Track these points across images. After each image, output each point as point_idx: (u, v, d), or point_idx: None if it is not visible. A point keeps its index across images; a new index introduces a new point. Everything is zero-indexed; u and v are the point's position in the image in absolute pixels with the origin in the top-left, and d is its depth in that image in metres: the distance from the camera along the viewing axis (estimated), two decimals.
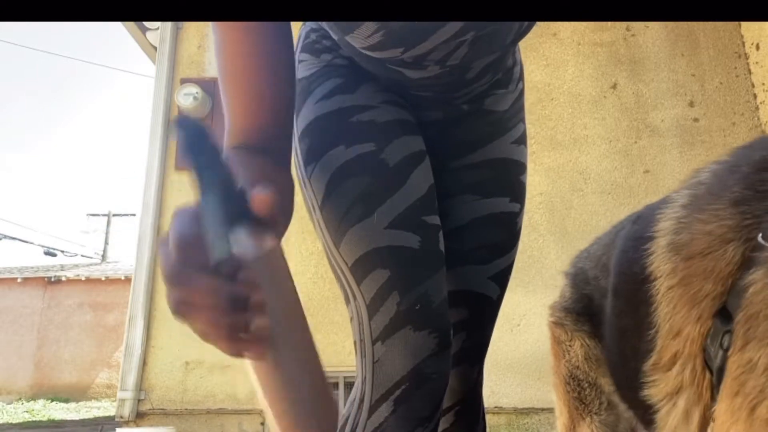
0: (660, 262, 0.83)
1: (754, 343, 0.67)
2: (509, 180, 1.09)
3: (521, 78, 1.13)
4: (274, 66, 0.77)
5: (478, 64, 0.95)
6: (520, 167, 1.11)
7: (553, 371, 1.26)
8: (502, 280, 1.08)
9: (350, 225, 0.89)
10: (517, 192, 1.10)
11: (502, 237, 1.08)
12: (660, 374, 0.81)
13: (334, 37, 0.98)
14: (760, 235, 0.68)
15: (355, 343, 0.92)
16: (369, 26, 0.83)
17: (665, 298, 0.80)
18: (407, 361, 0.85)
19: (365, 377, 0.88)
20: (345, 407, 0.93)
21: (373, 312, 0.88)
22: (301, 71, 1.02)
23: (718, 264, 0.74)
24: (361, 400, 0.89)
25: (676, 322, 0.78)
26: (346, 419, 0.90)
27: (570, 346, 1.20)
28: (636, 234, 0.98)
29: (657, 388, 0.82)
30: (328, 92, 0.97)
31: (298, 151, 0.97)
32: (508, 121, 1.10)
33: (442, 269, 0.92)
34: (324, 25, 1.00)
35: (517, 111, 1.11)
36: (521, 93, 1.12)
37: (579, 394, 1.19)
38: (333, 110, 0.95)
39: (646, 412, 0.96)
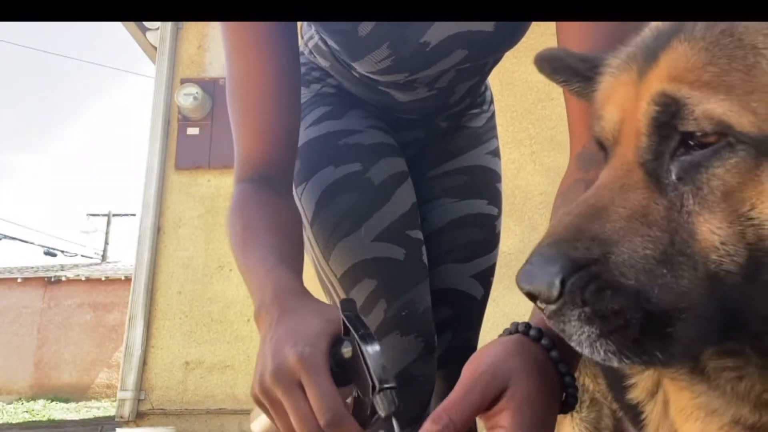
0: None
1: None
2: (486, 185, 1.15)
3: (492, 101, 1.22)
4: (283, 92, 0.83)
5: (462, 88, 1.03)
6: (495, 175, 1.17)
7: None
8: (484, 279, 1.11)
9: (339, 239, 0.95)
10: (494, 197, 1.15)
11: (481, 236, 1.12)
12: (638, 375, 0.84)
13: (324, 64, 1.05)
14: None
15: None
16: (381, 52, 0.89)
17: None
18: (395, 365, 0.91)
19: None
20: None
21: None
22: None
23: None
24: None
25: None
26: None
27: None
28: None
29: (638, 389, 0.85)
30: (318, 118, 1.03)
31: None
32: (483, 135, 1.17)
33: (426, 280, 0.98)
34: (323, 52, 1.04)
35: (490, 128, 1.19)
36: (493, 114, 1.21)
37: None
38: (322, 134, 1.01)
39: (634, 414, 0.98)
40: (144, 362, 4.03)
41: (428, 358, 0.93)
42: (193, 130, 4.49)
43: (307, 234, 0.99)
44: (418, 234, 0.99)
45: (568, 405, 0.61)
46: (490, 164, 1.16)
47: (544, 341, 0.59)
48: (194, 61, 4.70)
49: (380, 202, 0.96)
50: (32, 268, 15.75)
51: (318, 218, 0.97)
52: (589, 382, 1.25)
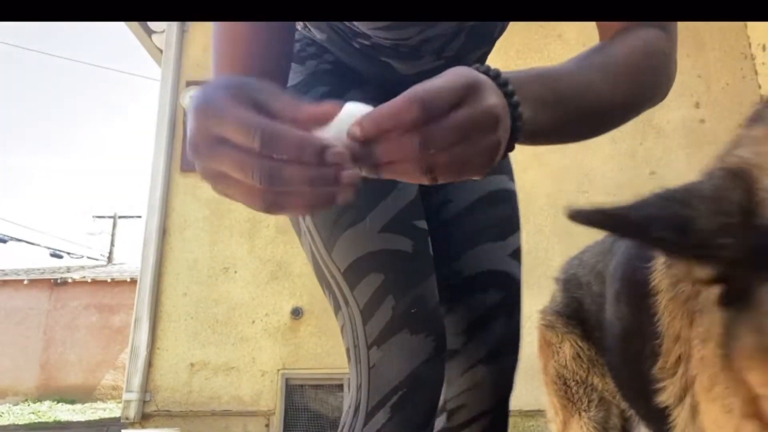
0: (661, 277, 0.87)
1: (702, 318, 0.71)
2: (503, 161, 1.09)
3: None
4: (268, 31, 0.77)
5: (470, 58, 0.97)
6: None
7: (543, 373, 1.30)
8: (519, 259, 1.06)
9: (343, 229, 0.89)
10: (512, 173, 1.12)
11: (510, 212, 1.07)
12: (668, 379, 0.84)
13: (320, 37, 0.99)
14: None
15: (347, 350, 0.91)
16: None
17: (666, 310, 0.84)
18: (404, 366, 0.85)
19: (360, 384, 0.88)
20: (342, 416, 0.92)
21: (368, 317, 0.87)
22: (289, 80, 1.02)
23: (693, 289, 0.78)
24: (357, 408, 0.88)
25: (675, 327, 0.81)
26: (342, 427, 0.90)
27: (560, 347, 1.24)
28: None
29: (667, 392, 0.85)
30: (316, 100, 0.97)
31: None
32: None
33: (434, 273, 0.92)
34: (319, 24, 0.99)
35: None
36: None
37: (566, 392, 1.24)
38: None
39: (648, 411, 0.98)
40: (149, 364, 4.04)
41: (438, 360, 0.87)
42: None
43: (306, 224, 0.93)
44: (424, 224, 0.93)
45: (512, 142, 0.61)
46: None
47: (491, 72, 0.60)
48: (200, 64, 4.71)
49: (386, 190, 0.90)
50: (38, 269, 15.81)
51: None
52: (597, 381, 1.24)
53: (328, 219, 0.90)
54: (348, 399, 0.92)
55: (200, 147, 0.50)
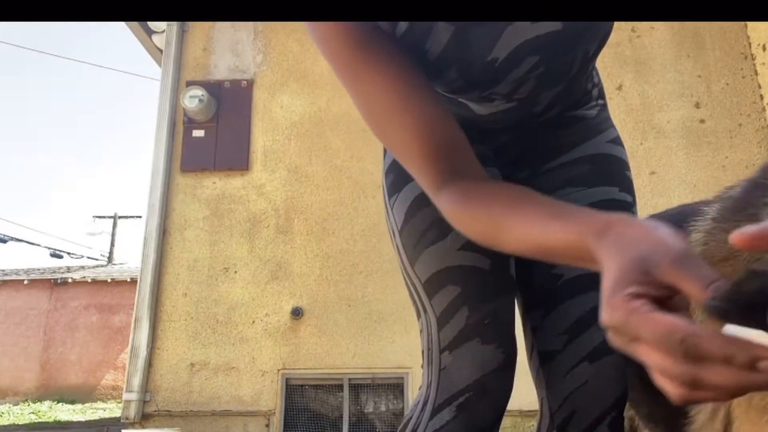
0: None
1: None
2: (613, 172, 1.07)
3: (601, 95, 1.14)
4: (420, 88, 0.80)
5: (546, 97, 0.98)
6: (622, 163, 1.09)
7: None
8: None
9: (425, 246, 0.97)
10: (625, 184, 1.08)
11: None
12: None
13: None
14: None
15: (423, 352, 0.99)
16: (450, 75, 0.89)
17: (696, 308, 0.84)
18: (473, 372, 0.91)
19: (431, 382, 0.95)
20: (409, 409, 1.01)
21: (442, 324, 0.94)
22: None
23: (735, 269, 0.77)
24: (425, 403, 0.95)
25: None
26: (408, 419, 0.97)
27: None
28: None
29: None
30: None
31: (384, 185, 1.08)
32: (599, 125, 1.11)
33: (512, 295, 0.97)
34: None
35: (605, 118, 1.13)
36: (604, 106, 1.14)
37: None
38: None
39: (655, 410, 0.98)
40: (149, 364, 4.04)
41: (507, 371, 0.93)
42: (198, 133, 4.50)
43: (396, 241, 1.03)
44: None
45: None
46: (614, 152, 1.09)
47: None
48: (200, 64, 4.71)
49: None
50: (39, 269, 15.81)
51: (407, 227, 1.00)
52: None
53: (414, 236, 0.99)
54: (417, 395, 1.00)
55: (620, 340, 0.49)
